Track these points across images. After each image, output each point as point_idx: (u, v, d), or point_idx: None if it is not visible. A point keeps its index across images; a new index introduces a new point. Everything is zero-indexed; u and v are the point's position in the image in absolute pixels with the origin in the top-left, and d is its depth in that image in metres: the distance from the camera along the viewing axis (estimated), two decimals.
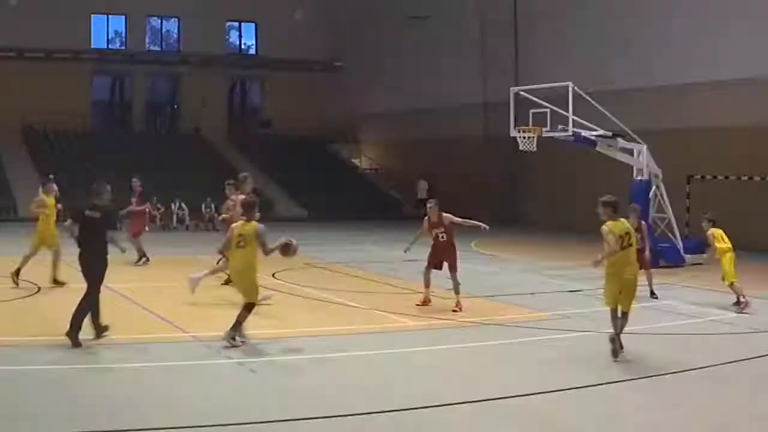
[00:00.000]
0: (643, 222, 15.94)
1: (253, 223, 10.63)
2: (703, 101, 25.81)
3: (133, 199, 19.65)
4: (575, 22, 30.61)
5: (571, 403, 8.70)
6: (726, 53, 25.13)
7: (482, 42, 35.14)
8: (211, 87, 43.26)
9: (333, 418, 7.94)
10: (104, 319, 10.64)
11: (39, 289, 14.62)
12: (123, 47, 43.25)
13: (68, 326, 10.37)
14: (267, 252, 10.64)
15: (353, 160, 44.27)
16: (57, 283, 14.94)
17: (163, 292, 14.17)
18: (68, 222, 11.17)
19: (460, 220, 14.04)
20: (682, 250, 20.77)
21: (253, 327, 12.09)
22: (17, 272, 14.92)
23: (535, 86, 22.09)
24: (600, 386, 9.23)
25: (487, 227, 14.41)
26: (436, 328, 12.37)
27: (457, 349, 11.21)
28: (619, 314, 10.40)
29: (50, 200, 15.65)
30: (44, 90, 38.09)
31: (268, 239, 10.62)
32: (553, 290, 16.35)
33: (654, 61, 27.33)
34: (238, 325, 10.52)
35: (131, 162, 37.22)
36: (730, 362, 10.47)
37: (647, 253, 15.24)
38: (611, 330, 10.47)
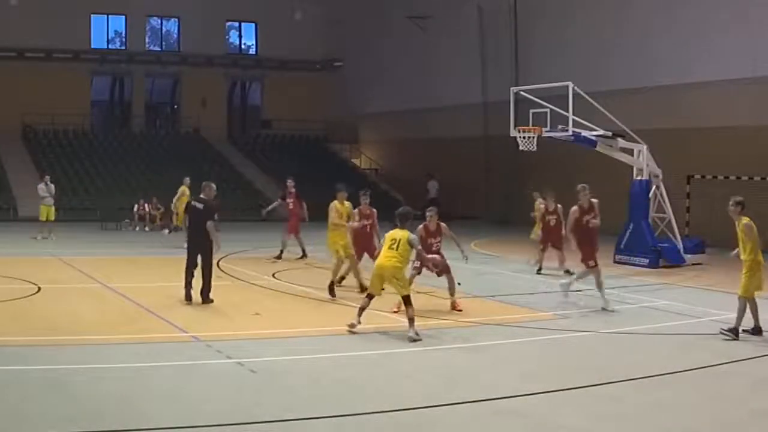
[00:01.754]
0: (559, 205, 18.36)
1: (405, 231, 11.90)
2: (703, 101, 25.79)
3: (289, 200, 20.80)
4: (575, 22, 30.60)
5: (572, 403, 8.70)
6: (726, 53, 25.11)
7: (482, 42, 35.14)
8: (211, 87, 43.26)
9: (333, 418, 7.94)
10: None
11: (39, 289, 14.63)
12: (123, 47, 43.20)
13: (203, 293, 13.51)
14: (419, 253, 12.17)
15: (353, 160, 44.26)
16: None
17: (164, 292, 14.15)
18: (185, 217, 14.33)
19: (453, 234, 13.81)
20: (682, 250, 20.79)
21: (253, 327, 12.13)
22: (341, 280, 15.67)
23: (535, 86, 22.04)
24: (600, 386, 9.22)
25: (467, 259, 14.18)
26: (435, 328, 12.36)
27: (456, 349, 11.21)
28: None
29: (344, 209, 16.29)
30: (44, 90, 38.08)
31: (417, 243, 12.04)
32: (553, 290, 16.33)
33: (654, 61, 27.30)
34: (412, 321, 11.45)
35: (131, 162, 37.49)
36: (730, 362, 10.48)
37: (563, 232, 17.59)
38: (736, 321, 11.68)
